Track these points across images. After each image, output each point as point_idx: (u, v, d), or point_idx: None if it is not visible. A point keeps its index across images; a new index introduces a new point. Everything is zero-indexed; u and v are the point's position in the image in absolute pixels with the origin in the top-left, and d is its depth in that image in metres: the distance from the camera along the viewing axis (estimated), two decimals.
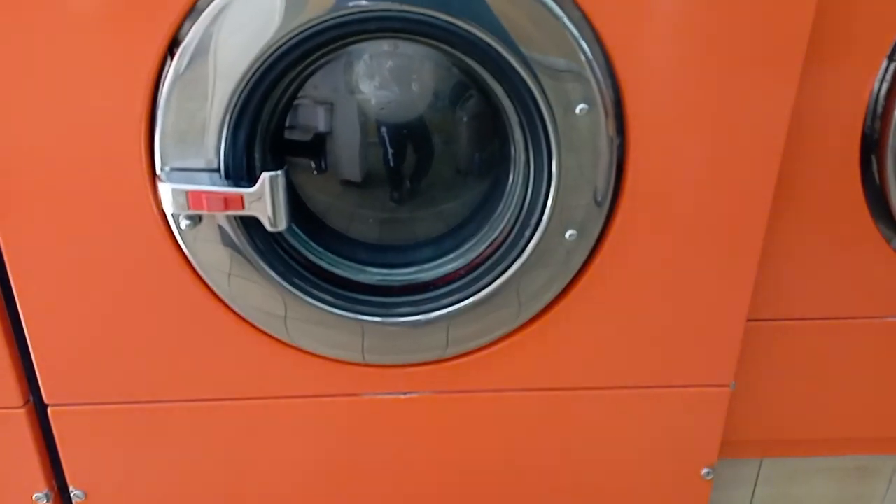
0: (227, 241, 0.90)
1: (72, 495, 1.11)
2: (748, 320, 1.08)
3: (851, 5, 0.92)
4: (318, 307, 0.96)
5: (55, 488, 1.12)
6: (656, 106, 0.88)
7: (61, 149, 0.87)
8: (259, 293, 0.95)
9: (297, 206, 0.99)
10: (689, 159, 0.92)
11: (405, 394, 1.06)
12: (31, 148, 0.87)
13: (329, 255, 0.98)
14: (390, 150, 0.99)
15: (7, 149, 0.86)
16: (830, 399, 1.20)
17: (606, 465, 1.15)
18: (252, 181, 0.85)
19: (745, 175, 0.93)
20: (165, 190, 0.84)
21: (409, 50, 0.94)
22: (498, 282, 0.95)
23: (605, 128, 0.87)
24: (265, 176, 0.84)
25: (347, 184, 1.01)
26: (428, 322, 0.98)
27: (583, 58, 0.83)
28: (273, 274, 0.93)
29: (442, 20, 0.81)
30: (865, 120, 0.99)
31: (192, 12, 0.81)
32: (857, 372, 1.17)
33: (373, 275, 0.99)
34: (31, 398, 1.05)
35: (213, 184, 0.85)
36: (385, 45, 0.92)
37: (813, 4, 0.84)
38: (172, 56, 0.83)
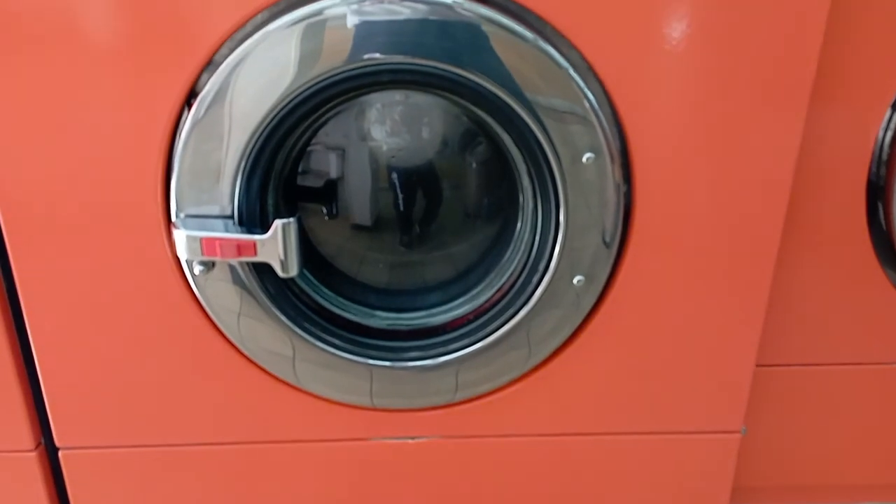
0: (239, 285, 0.92)
1: None
2: (759, 366, 1.08)
3: (855, 54, 0.93)
4: (327, 351, 0.97)
5: None
6: (662, 153, 0.90)
7: (79, 193, 0.89)
8: (269, 337, 0.96)
9: (308, 250, 1.00)
10: (695, 205, 0.93)
11: (414, 438, 1.06)
12: (48, 191, 0.89)
13: (338, 298, 1.00)
14: (400, 196, 1.01)
15: (26, 191, 0.88)
16: (843, 445, 1.19)
17: None
18: (265, 227, 0.87)
19: (752, 220, 0.94)
20: (180, 236, 0.86)
21: (420, 98, 0.96)
22: (506, 327, 0.96)
23: (612, 175, 0.89)
24: (277, 223, 0.85)
25: (358, 228, 1.03)
26: (437, 366, 0.98)
27: (588, 106, 0.85)
28: (283, 318, 0.94)
29: (453, 73, 0.83)
30: (871, 167, 1.00)
31: (209, 65, 0.84)
32: (868, 417, 1.16)
33: (382, 319, 1.00)
34: (43, 441, 1.05)
35: (227, 230, 0.87)
36: (396, 94, 0.95)
37: (816, 52, 0.86)
38: (190, 106, 0.85)
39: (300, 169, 0.98)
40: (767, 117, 0.89)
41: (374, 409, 1.03)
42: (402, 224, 1.02)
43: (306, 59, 0.82)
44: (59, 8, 0.81)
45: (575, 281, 0.93)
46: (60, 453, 1.05)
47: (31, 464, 1.05)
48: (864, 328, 1.10)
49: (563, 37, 0.84)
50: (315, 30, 0.81)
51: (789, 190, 0.93)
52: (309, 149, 0.97)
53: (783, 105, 0.88)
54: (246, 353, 0.98)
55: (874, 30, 0.93)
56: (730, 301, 0.99)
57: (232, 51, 0.83)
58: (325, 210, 1.00)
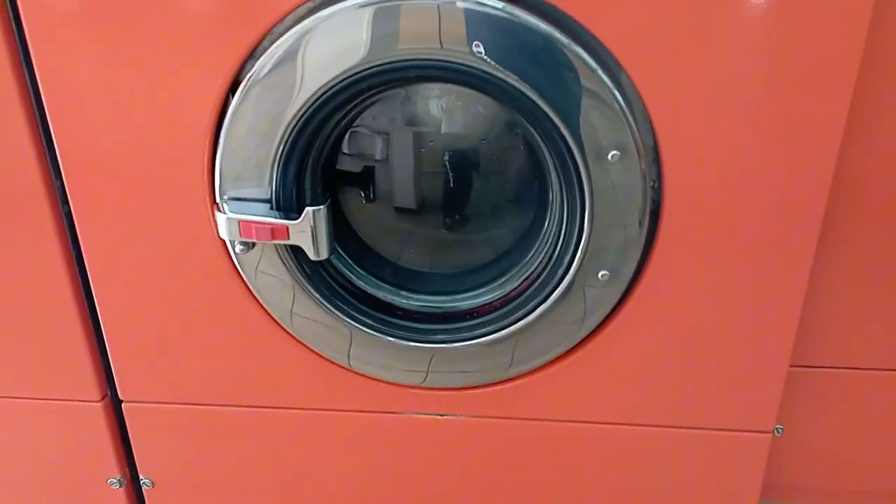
0: (277, 265, 0.97)
1: (141, 483, 1.22)
2: (799, 366, 1.07)
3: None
4: (365, 331, 1.02)
5: (127, 475, 1.23)
6: (693, 151, 0.89)
7: (141, 178, 0.96)
8: (306, 313, 1.01)
9: (347, 231, 1.05)
10: (727, 203, 0.92)
11: (443, 415, 1.10)
12: (112, 173, 0.96)
13: (370, 278, 1.04)
14: (442, 180, 1.04)
15: (92, 171, 0.97)
16: (879, 450, 1.16)
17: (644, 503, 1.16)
18: (301, 211, 0.92)
19: (788, 219, 0.92)
20: (221, 219, 0.92)
21: (457, 88, 0.98)
22: (531, 316, 0.98)
23: (640, 172, 0.88)
24: (308, 210, 0.90)
25: (390, 211, 1.06)
26: (472, 347, 1.02)
27: (616, 106, 0.85)
28: (317, 295, 0.99)
29: (484, 71, 0.84)
30: None
31: (251, 57, 0.88)
32: None
33: (415, 301, 1.04)
34: (109, 393, 1.16)
35: (266, 214, 0.92)
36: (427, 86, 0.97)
37: (859, 54, 0.82)
38: (233, 94, 0.90)
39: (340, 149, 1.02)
40: (805, 114, 0.86)
41: (408, 386, 1.08)
42: (434, 210, 1.05)
43: (347, 52, 0.85)
44: None
45: (600, 275, 0.94)
46: (123, 405, 1.15)
47: (98, 413, 1.16)
48: None
49: (592, 35, 0.84)
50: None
51: (828, 188, 0.90)
52: (349, 131, 1.01)
53: (822, 103, 0.85)
54: (284, 325, 1.04)
55: None
56: (763, 301, 0.97)
57: (272, 42, 0.87)
58: (362, 194, 1.04)
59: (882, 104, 0.92)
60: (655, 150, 0.89)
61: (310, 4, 0.86)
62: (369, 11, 0.83)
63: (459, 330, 1.01)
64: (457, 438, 1.12)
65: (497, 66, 0.84)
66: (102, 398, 1.15)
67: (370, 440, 1.13)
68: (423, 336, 1.02)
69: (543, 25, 0.83)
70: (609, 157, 0.87)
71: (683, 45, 0.83)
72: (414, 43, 0.84)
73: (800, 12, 0.81)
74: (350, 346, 1.04)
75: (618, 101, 0.85)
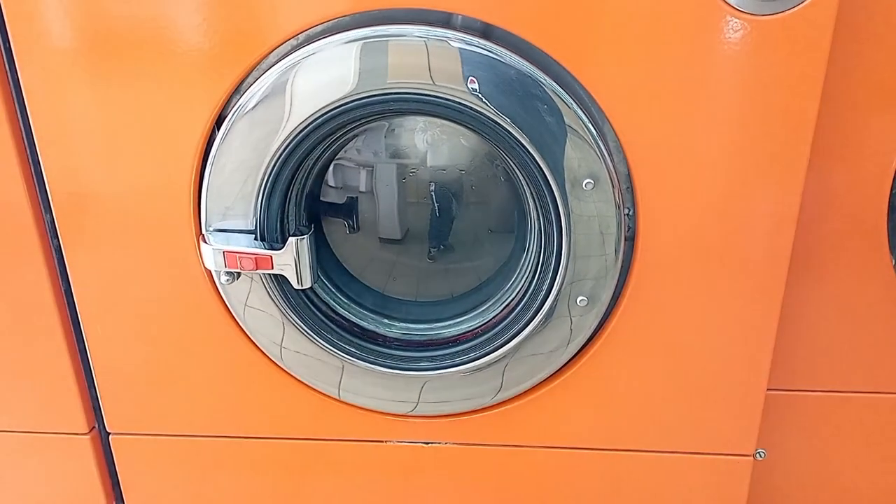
0: (265, 299, 0.99)
1: None
2: (779, 390, 1.08)
3: (874, 70, 0.92)
4: (354, 361, 1.04)
5: None
6: (665, 179, 0.91)
7: (129, 211, 0.98)
8: (294, 346, 1.03)
9: (332, 260, 1.07)
10: (699, 229, 0.94)
11: (428, 443, 1.11)
12: (100, 206, 0.98)
13: (355, 307, 1.06)
14: (425, 211, 1.06)
15: (81, 205, 0.99)
16: (863, 474, 1.17)
17: None
18: (285, 242, 0.94)
19: (760, 243, 0.95)
20: (206, 249, 0.94)
21: (440, 121, 1.01)
22: (511, 343, 1.00)
23: (614, 200, 0.91)
24: (292, 240, 0.92)
25: (372, 241, 1.08)
26: (459, 373, 1.03)
27: (588, 136, 0.88)
28: (305, 328, 1.01)
29: (468, 106, 0.87)
30: (893, 186, 0.98)
31: (236, 91, 0.91)
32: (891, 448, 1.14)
33: (396, 328, 1.06)
34: (97, 426, 1.17)
35: (250, 244, 0.94)
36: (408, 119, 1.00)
37: (821, 77, 0.86)
38: (219, 128, 0.93)
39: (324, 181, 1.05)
40: (773, 139, 0.89)
41: (395, 414, 1.09)
42: (418, 240, 1.08)
43: (336, 83, 0.87)
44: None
45: (578, 301, 0.96)
46: (111, 437, 1.16)
47: (86, 445, 1.16)
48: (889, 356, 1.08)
49: (565, 69, 0.87)
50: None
51: (796, 214, 0.93)
52: (333, 162, 1.03)
53: (788, 129, 0.88)
54: (273, 358, 1.05)
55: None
56: (738, 324, 0.99)
57: (257, 77, 0.90)
58: (346, 224, 1.06)
59: (845, 131, 0.95)
60: (629, 178, 0.92)
61: (293, 42, 0.89)
62: (356, 46, 0.86)
63: (444, 357, 1.03)
64: (442, 466, 1.12)
65: (487, 103, 0.87)
66: (90, 430, 1.16)
67: (357, 469, 1.14)
68: (408, 364, 1.04)
69: (524, 63, 0.86)
70: (583, 185, 0.90)
71: (653, 76, 0.86)
72: (403, 77, 0.87)
73: (767, 48, 0.84)
74: (341, 377, 1.05)
75: (591, 133, 0.88)
